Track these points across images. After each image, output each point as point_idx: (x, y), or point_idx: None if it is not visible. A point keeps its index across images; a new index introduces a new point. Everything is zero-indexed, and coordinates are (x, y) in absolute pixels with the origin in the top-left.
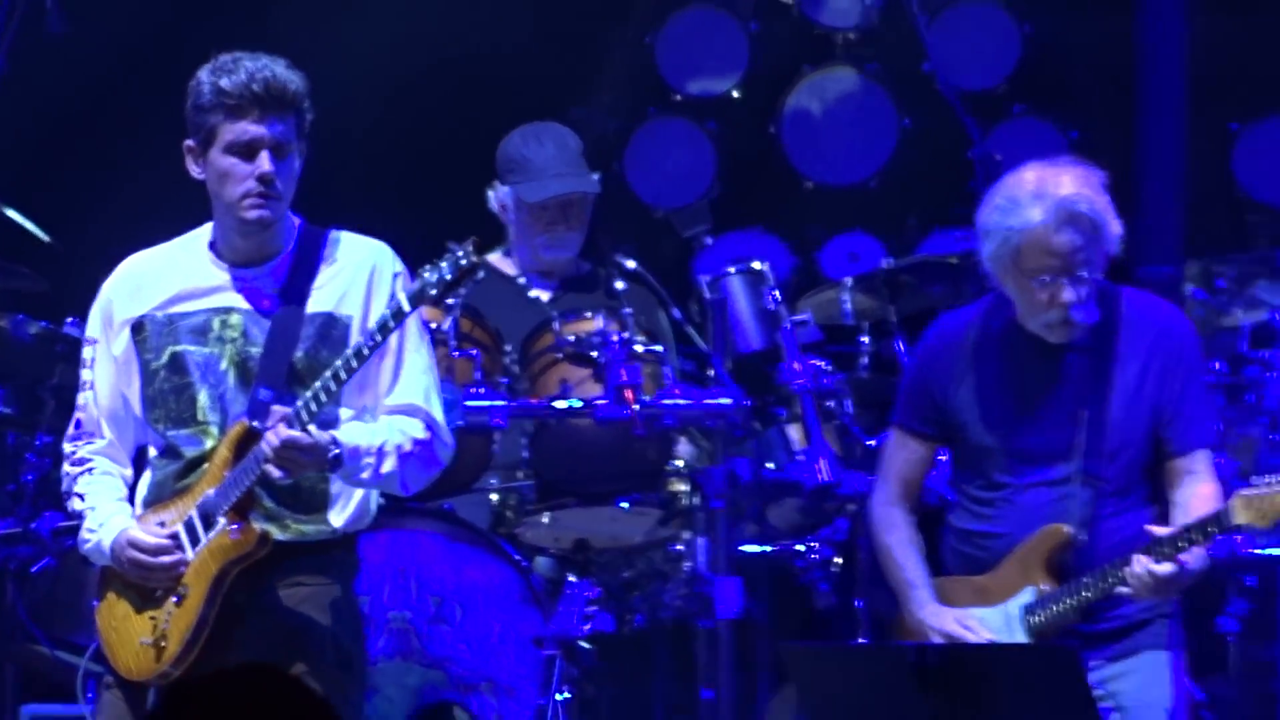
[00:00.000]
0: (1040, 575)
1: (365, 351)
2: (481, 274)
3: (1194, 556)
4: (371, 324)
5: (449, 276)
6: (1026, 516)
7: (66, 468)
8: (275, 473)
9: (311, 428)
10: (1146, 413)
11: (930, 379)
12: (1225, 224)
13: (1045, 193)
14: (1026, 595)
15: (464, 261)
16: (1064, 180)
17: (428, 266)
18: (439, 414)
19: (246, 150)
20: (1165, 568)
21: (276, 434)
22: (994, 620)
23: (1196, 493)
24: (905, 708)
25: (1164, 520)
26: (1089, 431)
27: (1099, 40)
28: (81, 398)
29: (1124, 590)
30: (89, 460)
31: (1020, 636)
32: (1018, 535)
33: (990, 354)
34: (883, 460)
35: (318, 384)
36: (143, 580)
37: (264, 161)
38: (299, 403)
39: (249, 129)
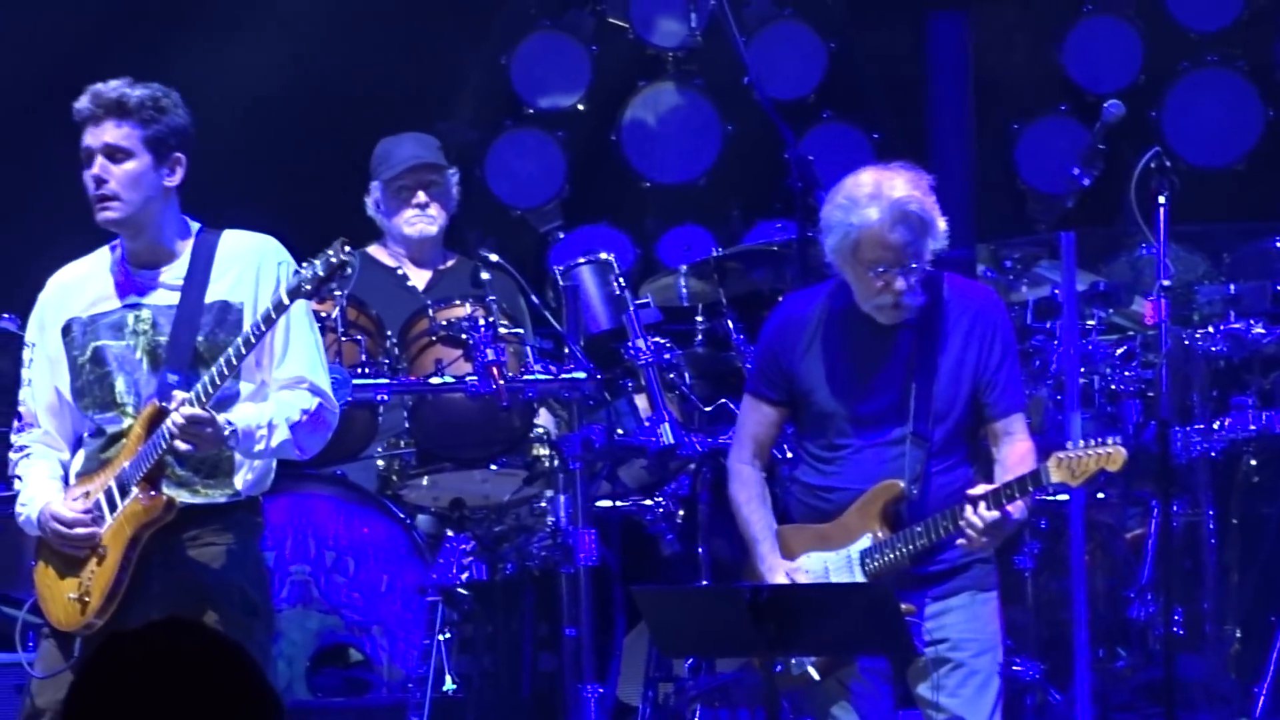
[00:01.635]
0: (877, 524)
1: (253, 339)
2: (351, 271)
3: (1017, 508)
4: (261, 308)
5: (321, 273)
6: (864, 472)
7: (11, 454)
8: (182, 446)
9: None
10: (968, 381)
11: (779, 351)
12: (1010, 211)
13: (881, 194)
14: (865, 541)
15: (335, 259)
16: (897, 183)
17: (304, 263)
18: (325, 383)
19: (87, 159)
20: (993, 514)
21: (181, 413)
22: (836, 563)
23: (1014, 450)
24: (741, 640)
25: (982, 475)
26: (918, 398)
27: (894, 54)
28: (23, 394)
29: (961, 541)
30: (27, 447)
31: (859, 578)
32: (857, 489)
33: (833, 331)
34: (738, 423)
35: (214, 368)
36: (63, 547)
37: (95, 166)
38: (198, 385)
39: (84, 140)
